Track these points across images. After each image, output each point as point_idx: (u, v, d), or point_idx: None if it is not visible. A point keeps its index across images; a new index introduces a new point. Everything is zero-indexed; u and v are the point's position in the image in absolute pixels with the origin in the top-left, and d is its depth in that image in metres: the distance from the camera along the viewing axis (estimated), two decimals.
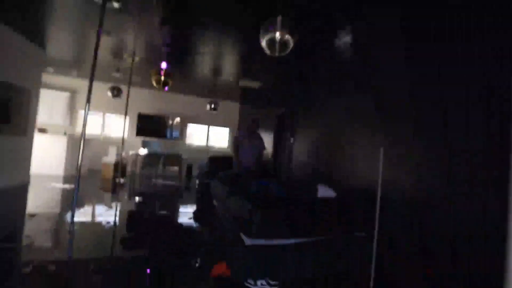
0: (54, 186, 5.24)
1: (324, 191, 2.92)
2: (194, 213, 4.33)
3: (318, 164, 3.90)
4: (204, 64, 5.41)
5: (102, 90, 7.39)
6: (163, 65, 4.89)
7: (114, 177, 6.56)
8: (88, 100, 3.20)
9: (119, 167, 6.54)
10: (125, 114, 5.33)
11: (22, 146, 5.11)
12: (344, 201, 2.87)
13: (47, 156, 6.23)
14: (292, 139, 4.81)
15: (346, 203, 2.81)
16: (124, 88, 7.66)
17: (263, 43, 2.56)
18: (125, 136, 8.27)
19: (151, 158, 6.67)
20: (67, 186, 5.36)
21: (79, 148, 3.00)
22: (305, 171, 4.27)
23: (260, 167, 4.68)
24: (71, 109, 7.64)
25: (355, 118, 3.15)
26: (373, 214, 2.29)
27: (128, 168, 7.46)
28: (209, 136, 9.20)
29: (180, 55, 4.72)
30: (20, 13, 3.93)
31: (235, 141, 4.42)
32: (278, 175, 5.49)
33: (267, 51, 2.58)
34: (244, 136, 4.41)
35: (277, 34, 2.45)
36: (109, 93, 6.30)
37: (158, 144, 8.21)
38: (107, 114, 8.18)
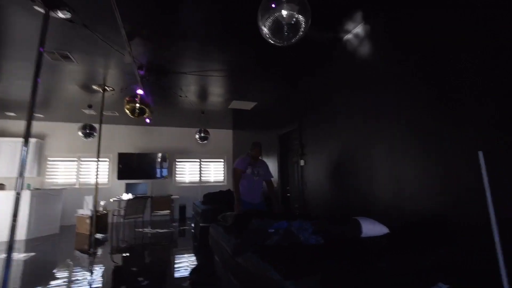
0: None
1: (370, 228, 2.03)
2: (192, 273, 3.27)
3: (342, 190, 3.04)
4: (187, 86, 4.69)
5: (74, 131, 6.54)
6: (139, 91, 4.13)
7: (91, 233, 5.43)
8: (26, 140, 2.32)
9: (94, 220, 5.45)
10: (97, 155, 4.41)
11: None
12: (405, 238, 1.98)
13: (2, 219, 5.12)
14: (303, 161, 3.97)
15: (411, 241, 1.92)
16: (98, 126, 6.87)
17: (265, 30, 1.82)
18: (106, 181, 7.29)
19: (135, 204, 5.64)
20: (24, 255, 4.22)
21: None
22: (326, 201, 3.38)
23: (273, 202, 3.77)
24: (39, 158, 6.66)
25: (387, 123, 2.38)
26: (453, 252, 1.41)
27: (110, 219, 6.34)
28: (202, 170, 8.26)
29: (158, 77, 3.98)
30: None
31: (235, 173, 3.54)
32: (294, 209, 4.55)
33: (272, 39, 1.84)
34: (245, 166, 3.53)
35: (284, 12, 1.73)
36: (80, 133, 5.42)
37: (145, 186, 7.21)
38: (85, 159, 7.21)
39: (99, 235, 5.24)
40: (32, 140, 6.38)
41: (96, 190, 4.34)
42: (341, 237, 2.00)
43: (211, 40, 3.20)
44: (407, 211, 2.17)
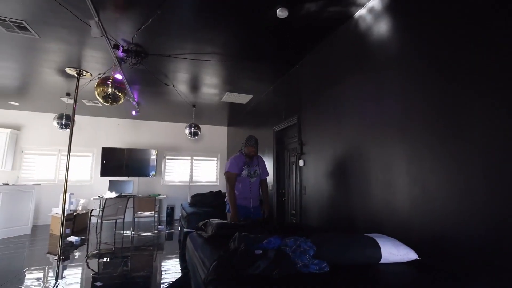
0: None
1: (393, 251, 1.52)
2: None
3: (348, 197, 2.52)
4: (174, 72, 4.16)
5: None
6: (118, 76, 3.60)
7: (65, 235, 4.89)
8: None
9: (63, 220, 4.93)
10: (69, 149, 3.89)
11: None
12: (443, 270, 1.46)
13: None
14: (302, 162, 3.45)
15: (452, 275, 1.41)
16: (79, 118, 6.32)
17: None
18: (89, 177, 6.75)
19: (115, 204, 5.11)
20: None
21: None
22: (328, 210, 2.86)
23: (264, 206, 3.20)
24: (14, 150, 6.11)
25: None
26: None
27: (90, 220, 5.79)
28: (194, 169, 7.71)
29: (138, 60, 3.44)
30: None
31: (230, 179, 2.89)
32: (290, 217, 4.03)
33: None
34: (240, 167, 2.93)
35: None
36: (55, 124, 4.88)
37: (130, 184, 6.66)
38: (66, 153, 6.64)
39: (73, 238, 4.70)
40: (6, 131, 5.84)
41: (65, 186, 3.83)
42: (353, 264, 1.48)
43: (201, 17, 2.69)
44: (440, 232, 1.65)
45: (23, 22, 2.68)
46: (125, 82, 4.26)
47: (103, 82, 2.98)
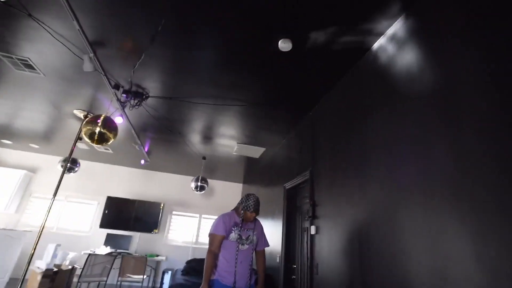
0: None
1: None
2: None
3: (373, 282, 1.67)
4: (185, 121, 3.93)
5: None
6: (117, 119, 3.42)
7: None
8: None
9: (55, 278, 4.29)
10: (55, 193, 3.54)
11: None
12: None
13: None
14: (313, 228, 2.66)
15: None
16: (89, 164, 6.20)
17: None
18: (88, 228, 6.30)
19: (104, 263, 4.44)
20: None
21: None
22: None
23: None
24: (24, 192, 6.02)
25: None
26: None
27: (71, 279, 5.08)
28: (201, 229, 6.93)
29: (138, 102, 3.26)
30: None
31: (213, 242, 2.19)
32: None
33: None
34: (228, 228, 2.25)
35: None
36: (60, 168, 4.73)
37: (128, 240, 6.02)
38: (72, 199, 6.41)
39: None
40: (21, 172, 5.86)
41: (39, 235, 3.31)
42: None
43: (204, 57, 2.48)
44: None
45: (28, 59, 2.66)
46: (132, 128, 4.12)
47: (92, 120, 2.75)
